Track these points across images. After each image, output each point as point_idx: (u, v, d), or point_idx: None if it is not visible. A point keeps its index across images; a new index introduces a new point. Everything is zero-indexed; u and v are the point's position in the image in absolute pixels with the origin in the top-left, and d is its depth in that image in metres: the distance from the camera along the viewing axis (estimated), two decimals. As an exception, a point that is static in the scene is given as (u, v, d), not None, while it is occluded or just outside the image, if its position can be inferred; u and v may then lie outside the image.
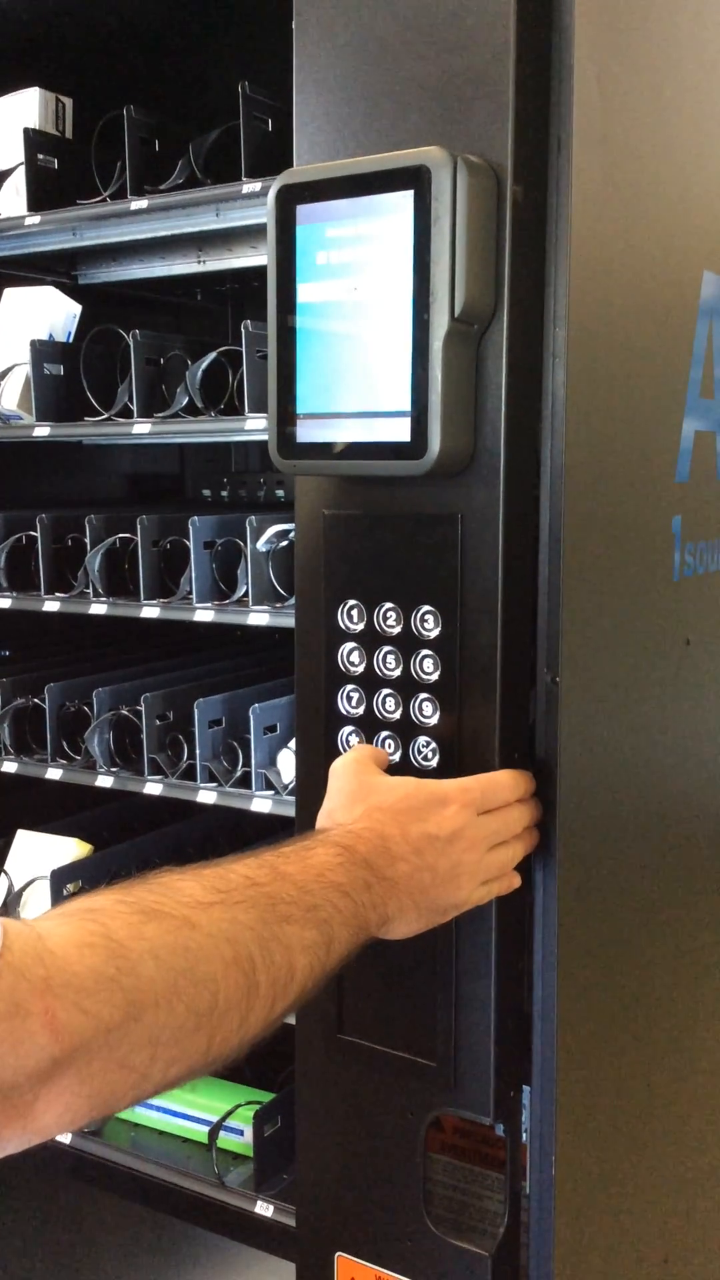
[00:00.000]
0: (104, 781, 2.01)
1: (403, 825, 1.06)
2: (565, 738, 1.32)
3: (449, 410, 1.20)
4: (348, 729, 1.35)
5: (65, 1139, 2.03)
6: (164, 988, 0.80)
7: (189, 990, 0.82)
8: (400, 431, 1.22)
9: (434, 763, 1.28)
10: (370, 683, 1.34)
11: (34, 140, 1.96)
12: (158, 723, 1.98)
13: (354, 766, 1.16)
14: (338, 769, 1.17)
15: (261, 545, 1.78)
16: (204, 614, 1.87)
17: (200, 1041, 0.84)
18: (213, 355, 1.87)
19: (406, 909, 1.05)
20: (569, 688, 1.33)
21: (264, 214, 1.29)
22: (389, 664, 1.33)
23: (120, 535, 1.98)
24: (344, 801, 1.12)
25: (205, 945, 0.84)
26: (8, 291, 2.16)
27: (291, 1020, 1.43)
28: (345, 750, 1.31)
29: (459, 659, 1.27)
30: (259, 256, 1.98)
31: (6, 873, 2.16)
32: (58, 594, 2.06)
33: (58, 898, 2.07)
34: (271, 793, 1.82)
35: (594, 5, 1.25)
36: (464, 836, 1.08)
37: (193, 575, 1.87)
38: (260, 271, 1.62)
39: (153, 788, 1.97)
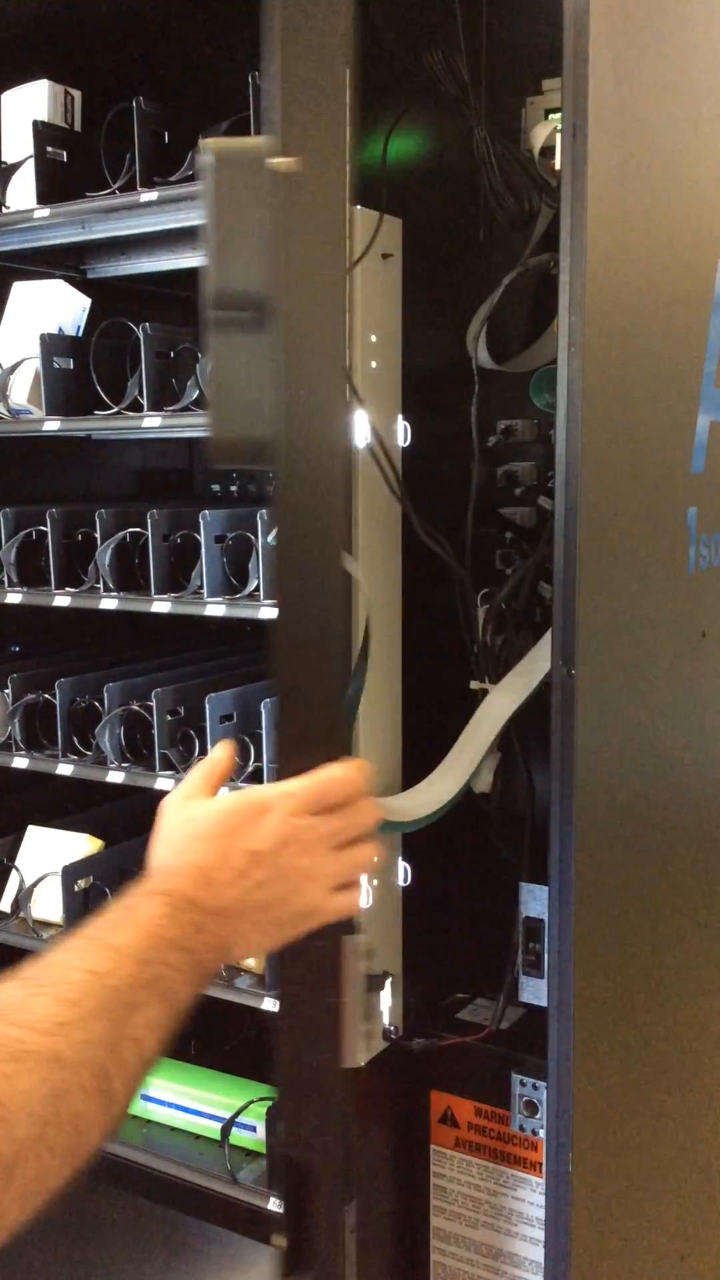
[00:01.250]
0: (115, 777, 2.00)
1: (222, 849, 1.03)
2: (582, 731, 1.31)
3: (218, 401, 1.17)
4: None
5: (77, 1135, 2.03)
6: (34, 1140, 0.80)
7: (55, 1135, 0.81)
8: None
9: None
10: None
11: (43, 133, 1.95)
12: (169, 718, 1.97)
13: (177, 802, 1.11)
14: (162, 808, 1.14)
15: (273, 539, 1.77)
16: (215, 609, 1.86)
17: (63, 1171, 0.84)
18: (223, 348, 1.86)
19: (248, 933, 1.03)
20: (585, 681, 1.32)
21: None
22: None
23: (131, 530, 1.97)
24: (166, 840, 1.08)
25: (69, 1081, 0.83)
26: (17, 285, 2.15)
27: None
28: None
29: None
30: (269, 249, 1.96)
31: (18, 869, 2.16)
32: (68, 589, 2.05)
33: (69, 894, 2.07)
34: (284, 788, 1.81)
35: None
36: (294, 841, 1.04)
37: (204, 570, 1.86)
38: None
39: (164, 783, 1.96)
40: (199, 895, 0.99)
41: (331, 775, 1.11)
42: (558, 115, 1.61)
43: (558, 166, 1.35)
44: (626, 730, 1.42)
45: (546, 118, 1.62)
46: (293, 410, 1.18)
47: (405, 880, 1.69)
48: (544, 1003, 1.43)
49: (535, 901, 1.61)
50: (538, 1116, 1.63)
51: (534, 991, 1.64)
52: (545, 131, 1.48)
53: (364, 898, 1.13)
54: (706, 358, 1.57)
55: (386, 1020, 1.67)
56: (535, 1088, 1.65)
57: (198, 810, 1.09)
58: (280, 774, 1.23)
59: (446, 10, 1.48)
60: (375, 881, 1.62)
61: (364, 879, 1.14)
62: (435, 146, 1.65)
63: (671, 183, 1.43)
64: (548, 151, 1.48)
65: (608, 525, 1.35)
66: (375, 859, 1.12)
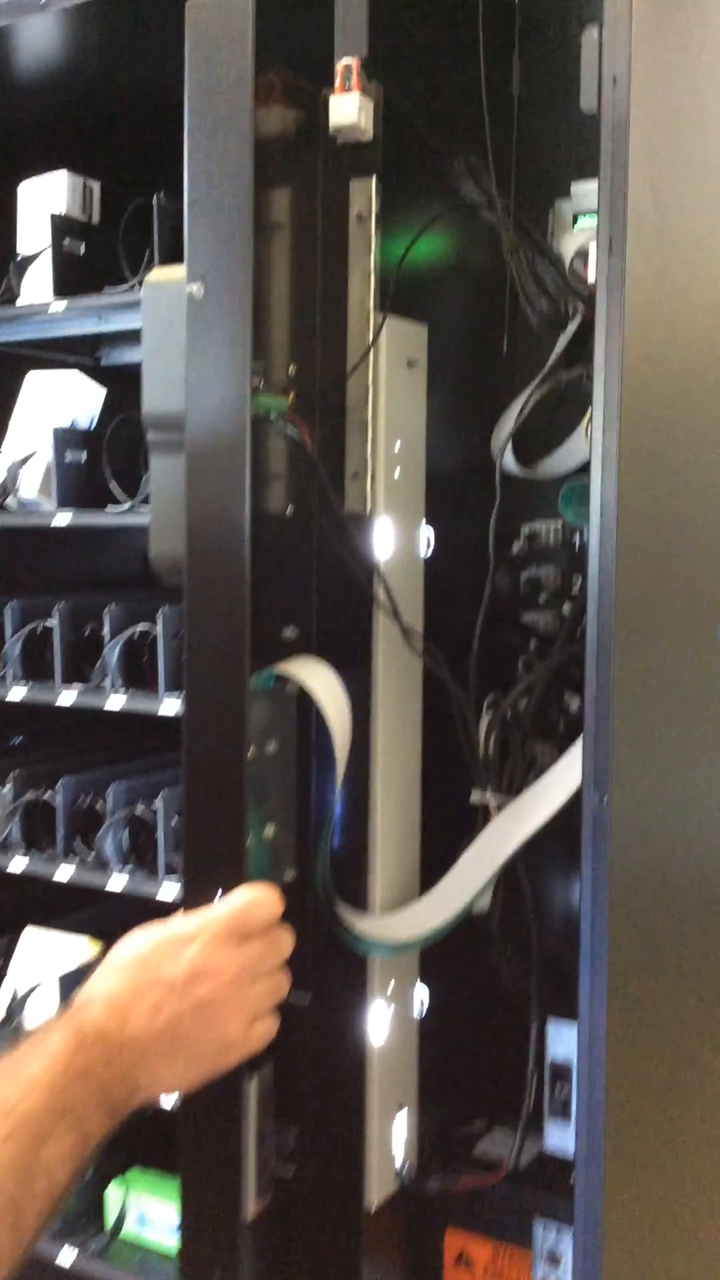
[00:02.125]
0: (116, 883, 1.92)
1: (136, 980, 1.00)
2: (616, 865, 1.24)
3: (156, 520, 1.28)
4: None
5: (67, 1260, 1.92)
6: None
7: None
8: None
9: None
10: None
11: (61, 225, 1.93)
12: (174, 821, 1.90)
13: (128, 938, 1.08)
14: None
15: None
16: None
17: None
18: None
19: (159, 1069, 0.99)
20: (621, 808, 1.25)
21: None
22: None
23: (140, 629, 1.91)
24: (99, 968, 1.06)
25: None
26: (31, 375, 2.12)
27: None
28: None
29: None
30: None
31: (11, 977, 2.07)
32: (76, 683, 1.99)
33: (66, 1002, 1.98)
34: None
35: (650, 109, 1.21)
36: (210, 973, 1.02)
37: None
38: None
39: (168, 889, 1.88)
40: (109, 1027, 0.96)
41: (251, 901, 1.09)
42: (586, 218, 1.58)
43: (591, 275, 1.31)
44: (664, 858, 1.35)
45: (575, 220, 1.59)
46: (199, 529, 1.20)
47: (423, 1012, 1.60)
48: (570, 1151, 1.35)
49: (561, 1042, 1.52)
50: (562, 1267, 1.53)
51: (559, 1135, 1.55)
52: (579, 240, 1.44)
53: (273, 1029, 1.08)
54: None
55: (400, 1158, 1.58)
56: (560, 1231, 1.55)
57: (130, 939, 1.07)
58: (186, 897, 1.21)
59: (473, 113, 1.45)
60: (392, 1007, 1.53)
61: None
62: (460, 249, 1.62)
63: (712, 295, 1.39)
64: (581, 254, 1.45)
65: (643, 643, 1.29)
66: (288, 989, 1.10)
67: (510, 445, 1.60)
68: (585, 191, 1.59)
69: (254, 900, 1.10)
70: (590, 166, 1.59)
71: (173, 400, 1.22)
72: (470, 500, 1.65)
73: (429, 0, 1.47)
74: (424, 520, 1.54)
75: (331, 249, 1.39)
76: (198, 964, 1.01)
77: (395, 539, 1.48)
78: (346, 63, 1.33)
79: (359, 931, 1.40)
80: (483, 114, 1.41)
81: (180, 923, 1.07)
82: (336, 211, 1.39)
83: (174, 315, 1.20)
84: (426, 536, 1.55)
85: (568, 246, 1.46)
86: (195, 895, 1.24)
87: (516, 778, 1.50)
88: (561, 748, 1.61)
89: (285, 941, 1.12)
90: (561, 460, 1.63)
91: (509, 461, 1.61)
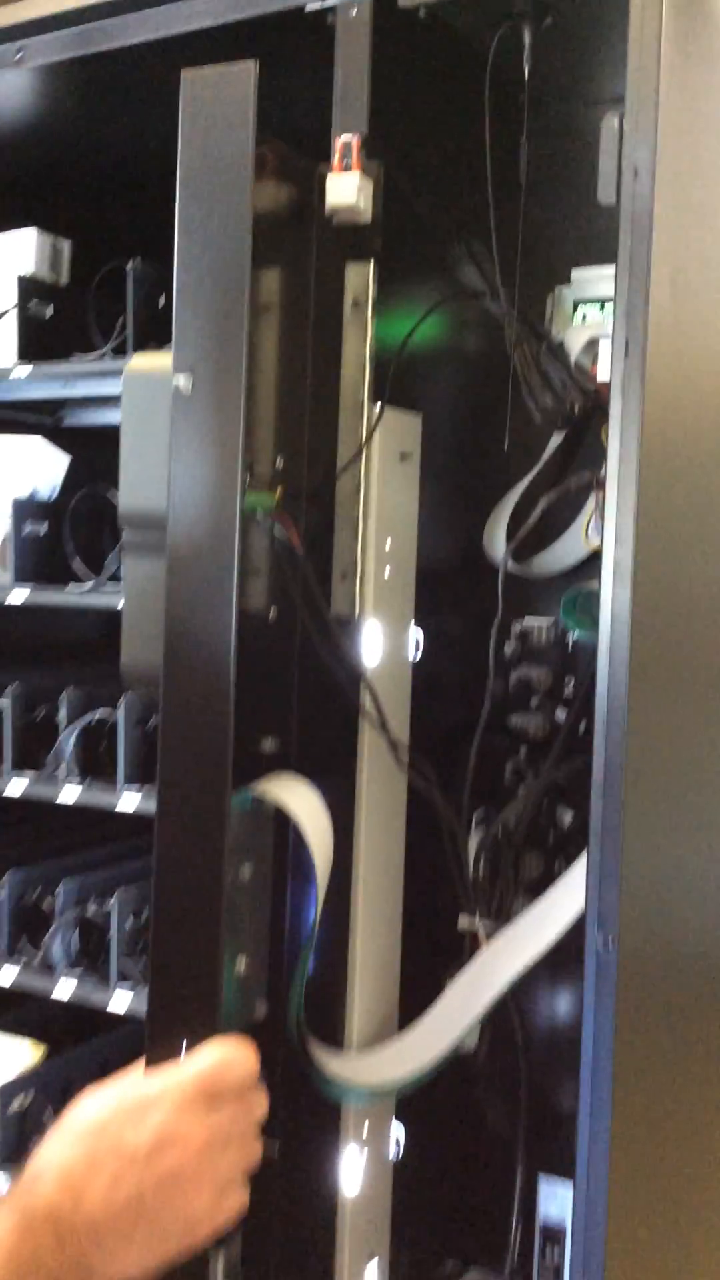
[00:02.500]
0: (63, 990, 1.78)
1: (92, 1150, 0.89)
2: (621, 1012, 1.14)
3: (129, 629, 1.19)
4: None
5: None
6: None
7: None
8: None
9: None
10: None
11: (28, 287, 1.82)
12: (130, 922, 1.76)
13: (84, 1101, 0.97)
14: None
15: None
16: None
17: None
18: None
19: (119, 1252, 0.88)
20: (627, 950, 1.15)
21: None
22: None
23: (98, 715, 1.79)
24: (56, 1132, 0.94)
25: None
26: (-9, 439, 2.00)
27: None
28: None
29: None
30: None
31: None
32: (26, 770, 1.85)
33: (3, 1117, 1.83)
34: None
35: (672, 201, 1.14)
36: (177, 1142, 0.91)
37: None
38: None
39: (120, 999, 1.74)
40: (61, 1206, 0.85)
41: (223, 1060, 0.98)
42: (588, 305, 1.51)
43: (600, 372, 1.23)
44: (674, 999, 1.25)
45: (575, 308, 1.52)
46: (178, 637, 1.09)
47: (397, 1155, 1.48)
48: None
49: (554, 1201, 1.41)
50: None
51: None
52: (584, 334, 1.36)
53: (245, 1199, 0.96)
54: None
55: (371, 1312, 1.45)
56: None
57: (87, 1102, 0.95)
58: (150, 1047, 1.10)
59: (476, 196, 1.37)
60: (365, 1151, 1.41)
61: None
62: (457, 337, 1.54)
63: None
64: (589, 349, 1.37)
65: (652, 771, 1.19)
66: (260, 1155, 0.99)
67: (505, 541, 1.51)
68: (586, 278, 1.52)
69: (226, 1060, 1.00)
70: (592, 252, 1.53)
71: (153, 498, 1.11)
72: (463, 599, 1.56)
73: (433, 76, 1.39)
74: (413, 621, 1.44)
75: (324, 335, 1.29)
76: (163, 1132, 0.90)
77: (384, 643, 1.38)
78: (346, 140, 1.24)
79: (334, 1075, 1.28)
80: (486, 196, 1.33)
81: (143, 1084, 0.96)
82: (331, 296, 1.30)
83: (157, 408, 1.09)
84: (416, 638, 1.45)
85: (573, 339, 1.38)
86: (160, 1044, 1.12)
87: (508, 901, 1.40)
88: (552, 864, 1.51)
89: (259, 1104, 1.02)
90: (557, 557, 1.55)
91: (502, 556, 1.52)
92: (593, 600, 1.26)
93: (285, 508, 1.23)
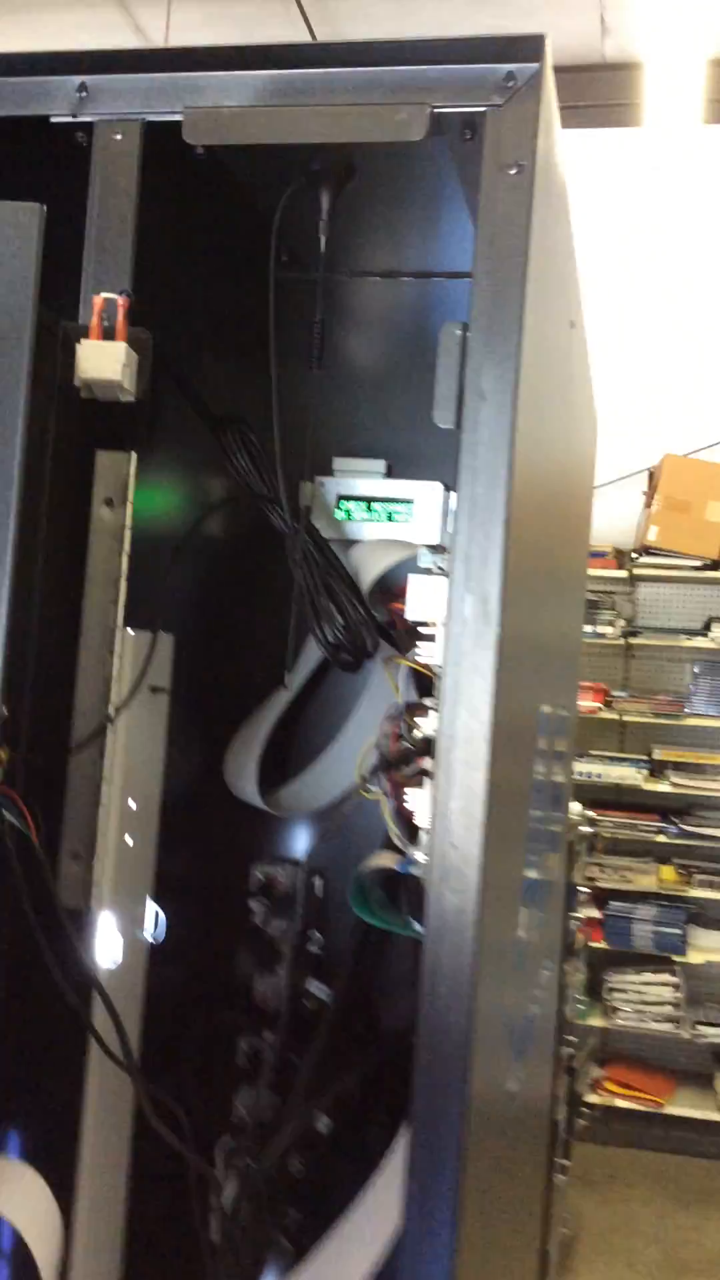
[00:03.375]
0: None
1: None
2: None
3: None
4: None
5: None
6: None
7: None
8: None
9: None
10: None
11: None
12: None
13: None
14: None
15: None
16: None
17: None
18: None
19: None
20: None
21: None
22: None
23: None
24: None
25: None
26: None
27: None
28: None
29: None
30: None
31: None
32: None
33: None
34: None
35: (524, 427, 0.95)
36: None
37: None
38: None
39: None
40: None
41: None
42: (353, 503, 1.30)
43: (409, 613, 1.01)
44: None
45: (339, 504, 1.30)
46: None
47: None
48: None
49: None
50: None
51: None
52: (382, 564, 1.14)
53: None
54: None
55: None
56: None
57: None
58: None
59: (254, 377, 1.12)
60: None
61: None
62: (223, 540, 1.27)
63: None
64: (386, 584, 1.15)
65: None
66: None
67: (254, 773, 1.25)
68: (351, 469, 1.31)
69: None
70: (355, 444, 1.33)
71: None
72: (207, 848, 1.27)
73: (210, 228, 1.13)
74: (149, 898, 1.13)
75: (64, 547, 0.98)
76: None
77: (120, 928, 1.06)
78: (108, 298, 0.96)
79: None
80: (270, 377, 1.09)
81: None
82: (72, 494, 0.99)
83: None
84: (156, 914, 1.14)
85: (367, 566, 1.15)
86: None
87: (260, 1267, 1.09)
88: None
89: None
90: (306, 793, 1.30)
91: (250, 791, 1.25)
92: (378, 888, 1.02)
93: (7, 780, 0.89)
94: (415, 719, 1.04)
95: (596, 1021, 4.67)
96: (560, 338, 1.19)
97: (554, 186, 1.04)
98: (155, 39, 4.18)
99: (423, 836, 0.96)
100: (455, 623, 0.91)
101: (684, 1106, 4.63)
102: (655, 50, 3.78)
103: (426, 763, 0.99)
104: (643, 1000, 4.62)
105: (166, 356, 1.03)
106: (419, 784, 1.01)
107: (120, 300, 0.95)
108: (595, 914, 4.61)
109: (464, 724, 0.90)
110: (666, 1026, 4.58)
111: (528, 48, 0.91)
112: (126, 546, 0.99)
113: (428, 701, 1.05)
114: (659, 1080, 4.79)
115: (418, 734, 1.02)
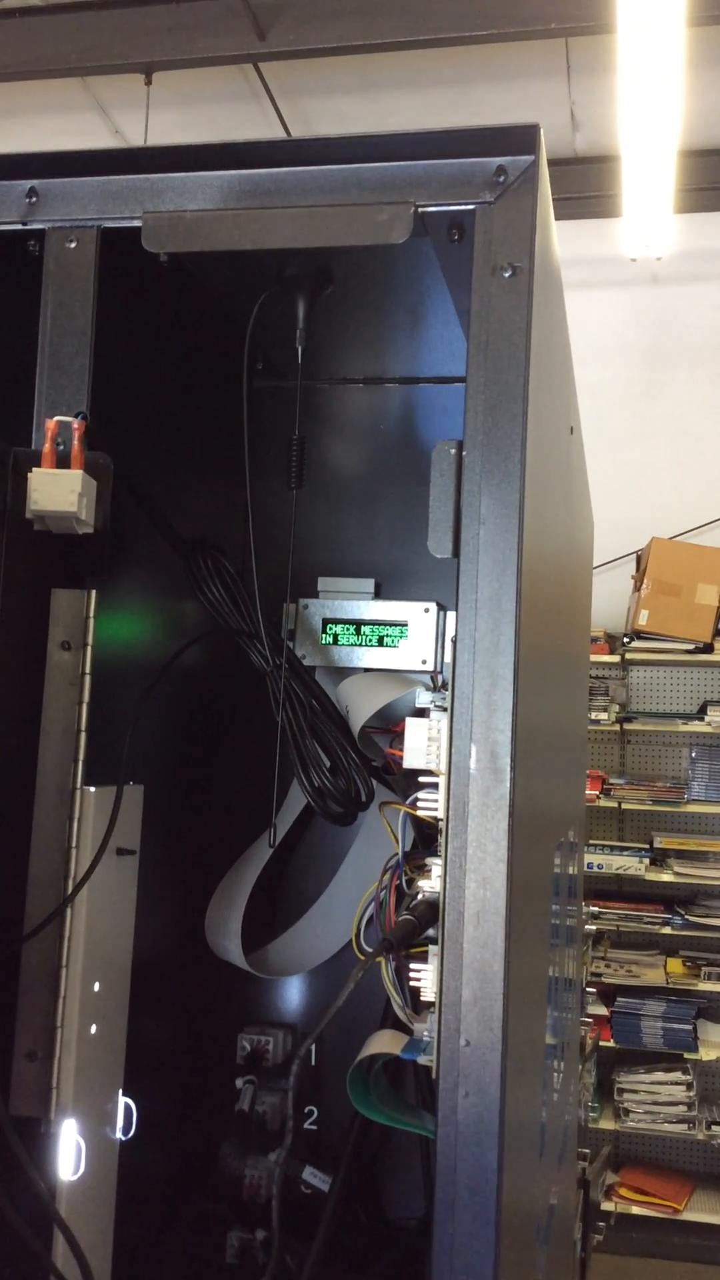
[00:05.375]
0: None
1: None
2: None
3: None
4: None
5: None
6: None
7: None
8: None
9: None
10: None
11: None
12: None
13: None
14: None
15: None
16: None
17: None
18: None
19: None
20: None
21: None
22: None
23: None
24: None
25: None
26: None
27: None
28: None
29: None
30: None
31: None
32: None
33: None
34: None
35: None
36: None
37: None
38: None
39: None
40: None
41: None
42: (340, 627, 1.19)
43: (407, 761, 0.90)
44: None
45: (325, 628, 1.19)
46: None
47: None
48: None
49: None
50: None
51: None
52: (373, 703, 1.03)
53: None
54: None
55: None
56: None
57: None
58: None
59: (221, 494, 1.02)
60: None
61: None
62: (196, 680, 1.16)
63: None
64: (383, 717, 1.04)
65: None
66: None
67: (237, 930, 1.12)
68: (337, 590, 1.21)
69: None
70: (340, 562, 1.23)
71: None
72: (186, 1009, 1.13)
73: (173, 341, 1.04)
74: (120, 1091, 0.99)
75: (16, 697, 0.86)
76: None
77: (84, 1132, 0.92)
78: (63, 421, 0.85)
79: None
80: (244, 494, 0.99)
81: None
82: (25, 637, 0.87)
83: None
84: (126, 1105, 1.00)
85: (356, 700, 1.04)
86: None
87: None
88: None
89: None
90: (300, 949, 1.17)
91: (234, 951, 1.12)
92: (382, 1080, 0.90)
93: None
94: (417, 877, 0.92)
95: (608, 1124, 4.47)
96: (560, 445, 1.10)
97: (551, 286, 0.96)
98: (135, 142, 4.19)
99: (430, 1017, 0.84)
100: (459, 779, 0.79)
101: (701, 1212, 4.41)
102: (626, 143, 3.81)
103: (432, 931, 0.87)
104: (654, 1101, 4.43)
105: (130, 477, 0.92)
106: (424, 950, 0.89)
107: (75, 424, 0.85)
108: (603, 1011, 4.44)
109: (475, 896, 0.78)
110: (680, 1128, 4.38)
111: (520, 139, 0.83)
112: (86, 695, 0.87)
113: (430, 861, 0.93)
114: (674, 1185, 4.57)
115: (420, 896, 0.90)
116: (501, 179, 0.84)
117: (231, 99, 4.13)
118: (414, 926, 0.85)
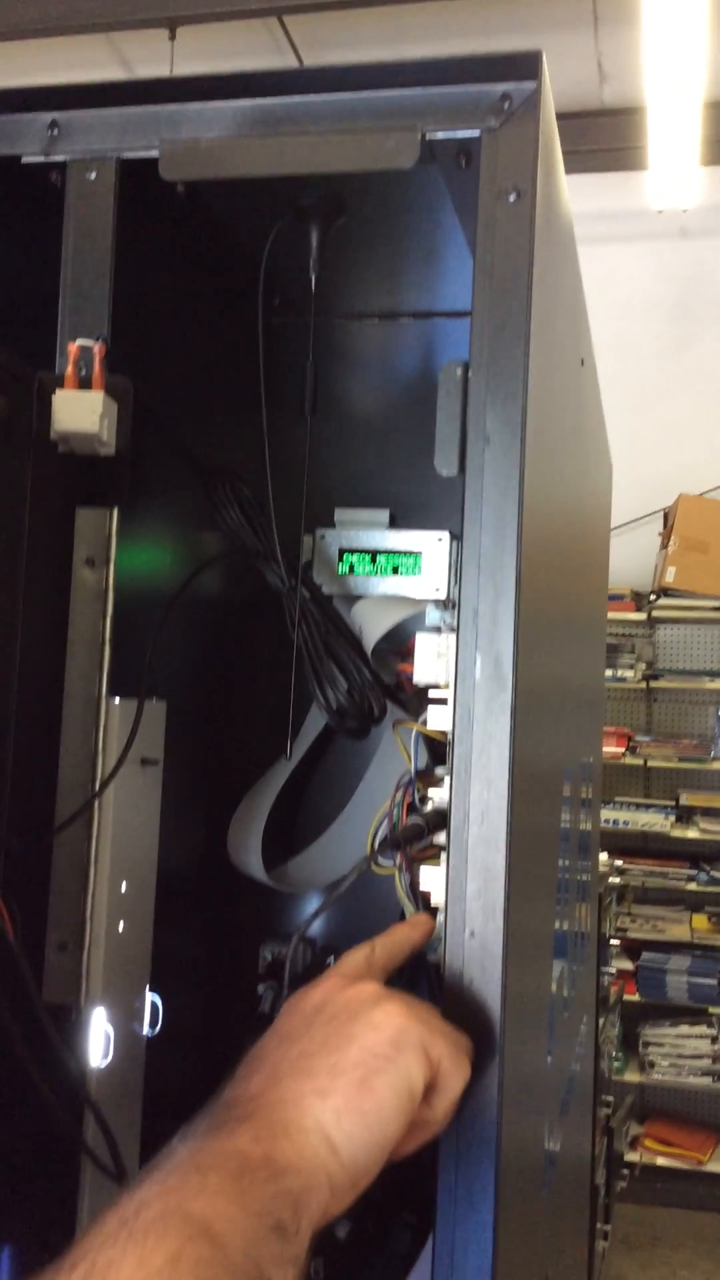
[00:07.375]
0: None
1: (276, 1026, 0.80)
2: None
3: None
4: None
5: None
6: None
7: None
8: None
9: None
10: None
11: None
12: None
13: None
14: None
15: None
16: None
17: None
18: None
19: (301, 1098, 0.71)
20: None
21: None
22: None
23: None
24: None
25: None
26: None
27: None
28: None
29: None
30: None
31: None
32: None
33: None
34: None
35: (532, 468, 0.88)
36: (326, 1007, 0.79)
37: None
38: None
39: None
40: (235, 1092, 0.73)
41: (393, 930, 0.88)
42: (356, 557, 1.23)
43: (417, 676, 0.94)
44: None
45: (342, 558, 1.23)
46: None
47: None
48: None
49: None
50: None
51: None
52: (386, 621, 1.07)
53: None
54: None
55: None
56: None
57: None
58: None
59: (242, 419, 1.06)
60: None
61: None
62: (218, 601, 1.20)
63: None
64: (393, 640, 1.07)
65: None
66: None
67: (257, 846, 1.16)
68: (353, 521, 1.24)
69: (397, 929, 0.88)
70: (357, 493, 1.27)
71: None
72: (210, 921, 1.18)
73: (192, 270, 1.07)
74: (148, 987, 1.04)
75: (43, 612, 0.91)
76: (319, 998, 0.80)
77: (114, 1022, 0.97)
78: (84, 345, 0.89)
79: None
80: (260, 421, 1.02)
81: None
82: (51, 554, 0.92)
83: None
84: (153, 1003, 1.05)
85: (371, 625, 1.08)
86: None
87: None
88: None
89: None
90: (308, 869, 1.21)
91: (255, 864, 1.17)
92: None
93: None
94: (428, 788, 0.96)
95: (633, 1077, 4.53)
96: (570, 375, 1.13)
97: (557, 215, 0.98)
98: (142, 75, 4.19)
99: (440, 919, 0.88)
100: (465, 687, 0.83)
101: (725, 1163, 4.48)
102: (653, 95, 3.78)
103: (441, 837, 0.91)
104: (679, 1054, 4.48)
105: (150, 406, 0.96)
106: (435, 857, 0.93)
107: (96, 347, 0.89)
108: (628, 966, 4.49)
109: (479, 798, 0.82)
110: (705, 1080, 4.44)
111: (523, 66, 0.86)
112: (110, 609, 0.92)
113: (440, 770, 0.97)
114: (699, 1136, 4.63)
115: (430, 805, 0.94)
116: (506, 105, 0.86)
117: (256, 54, 4.13)
118: (421, 829, 0.89)
